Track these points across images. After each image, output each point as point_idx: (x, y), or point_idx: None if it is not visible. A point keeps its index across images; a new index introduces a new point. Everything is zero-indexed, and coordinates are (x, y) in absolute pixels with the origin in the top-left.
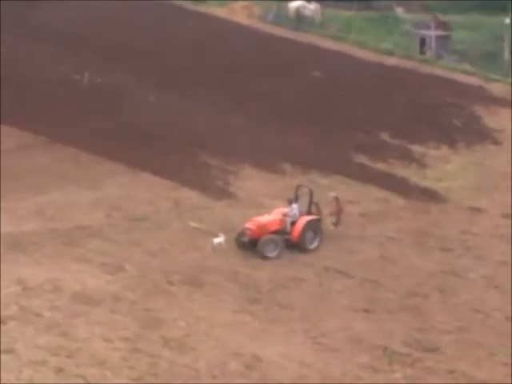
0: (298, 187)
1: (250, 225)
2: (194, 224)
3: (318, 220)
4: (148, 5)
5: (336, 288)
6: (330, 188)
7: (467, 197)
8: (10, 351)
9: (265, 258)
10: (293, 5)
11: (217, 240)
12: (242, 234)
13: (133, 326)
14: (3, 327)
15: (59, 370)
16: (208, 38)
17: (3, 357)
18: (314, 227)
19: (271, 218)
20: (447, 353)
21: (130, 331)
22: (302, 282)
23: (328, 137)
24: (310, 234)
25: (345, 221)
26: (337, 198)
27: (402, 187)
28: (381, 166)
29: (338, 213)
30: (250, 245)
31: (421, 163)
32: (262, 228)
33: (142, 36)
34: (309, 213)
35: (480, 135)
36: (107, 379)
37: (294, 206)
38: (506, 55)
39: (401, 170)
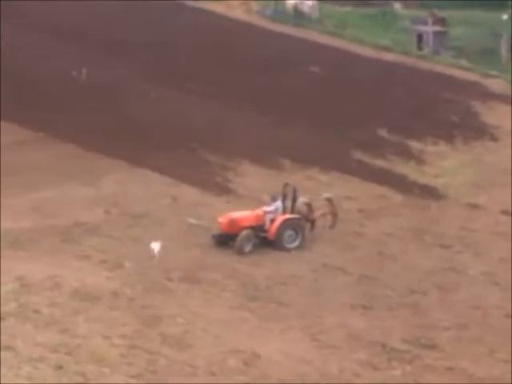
0: (285, 185)
1: (221, 219)
2: (193, 221)
3: (299, 219)
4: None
5: (334, 285)
6: (330, 184)
7: (466, 193)
8: (9, 348)
9: (242, 253)
10: (290, 1)
11: (153, 245)
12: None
13: (132, 322)
14: (2, 324)
15: (58, 367)
16: (206, 33)
17: (2, 353)
18: (294, 226)
19: (246, 213)
20: (446, 350)
21: (129, 328)
22: (301, 278)
23: (326, 133)
24: (289, 233)
25: (343, 217)
26: (330, 199)
27: (400, 183)
28: (379, 163)
29: (333, 214)
30: (221, 239)
31: (419, 159)
32: (232, 223)
33: (139, 31)
34: (292, 211)
35: (478, 131)
36: (106, 376)
37: (278, 203)
38: (504, 52)
39: (399, 167)
